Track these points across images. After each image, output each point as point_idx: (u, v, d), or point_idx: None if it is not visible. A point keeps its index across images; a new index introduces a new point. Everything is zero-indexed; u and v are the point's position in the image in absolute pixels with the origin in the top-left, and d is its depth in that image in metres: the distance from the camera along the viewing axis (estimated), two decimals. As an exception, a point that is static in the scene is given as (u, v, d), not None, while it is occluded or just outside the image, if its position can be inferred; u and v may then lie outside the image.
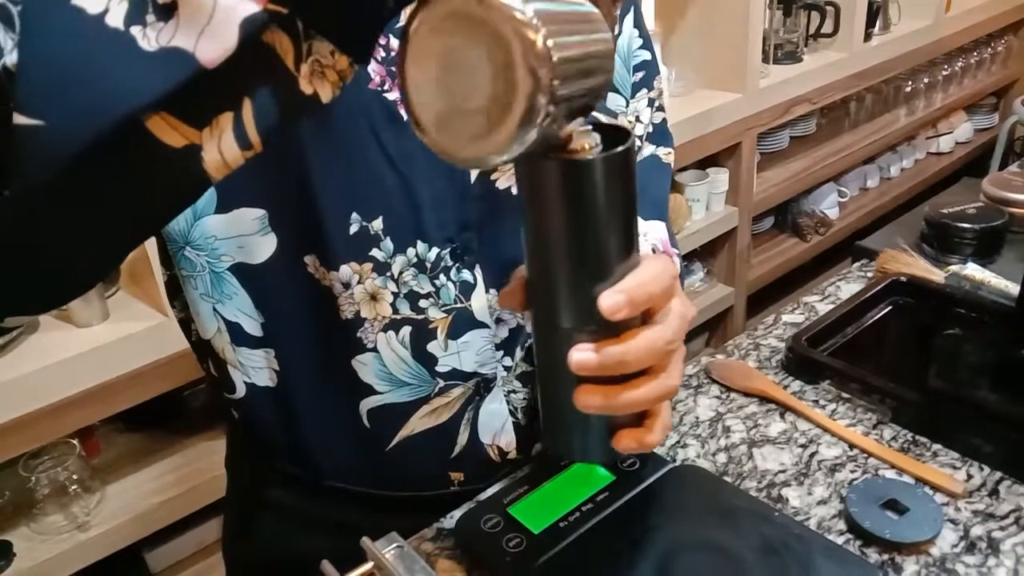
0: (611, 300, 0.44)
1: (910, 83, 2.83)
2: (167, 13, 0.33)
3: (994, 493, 0.69)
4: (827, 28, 2.35)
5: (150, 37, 0.33)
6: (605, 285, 0.44)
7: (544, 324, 0.48)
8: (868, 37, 2.43)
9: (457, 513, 0.70)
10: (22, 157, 0.33)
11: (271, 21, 0.34)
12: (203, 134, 0.35)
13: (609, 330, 0.45)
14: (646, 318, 0.48)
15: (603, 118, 0.45)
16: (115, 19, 0.33)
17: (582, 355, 0.45)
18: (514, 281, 0.49)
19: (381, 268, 0.62)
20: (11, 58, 0.34)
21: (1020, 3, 3.11)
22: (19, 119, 0.32)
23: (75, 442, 1.39)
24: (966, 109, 3.15)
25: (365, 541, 0.54)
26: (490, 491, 0.72)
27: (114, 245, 0.40)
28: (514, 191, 0.65)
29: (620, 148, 0.42)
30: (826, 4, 2.31)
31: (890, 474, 0.72)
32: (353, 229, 0.61)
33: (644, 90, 0.78)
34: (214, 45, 0.33)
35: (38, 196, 0.35)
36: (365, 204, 0.61)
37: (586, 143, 0.41)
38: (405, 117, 0.57)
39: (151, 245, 1.17)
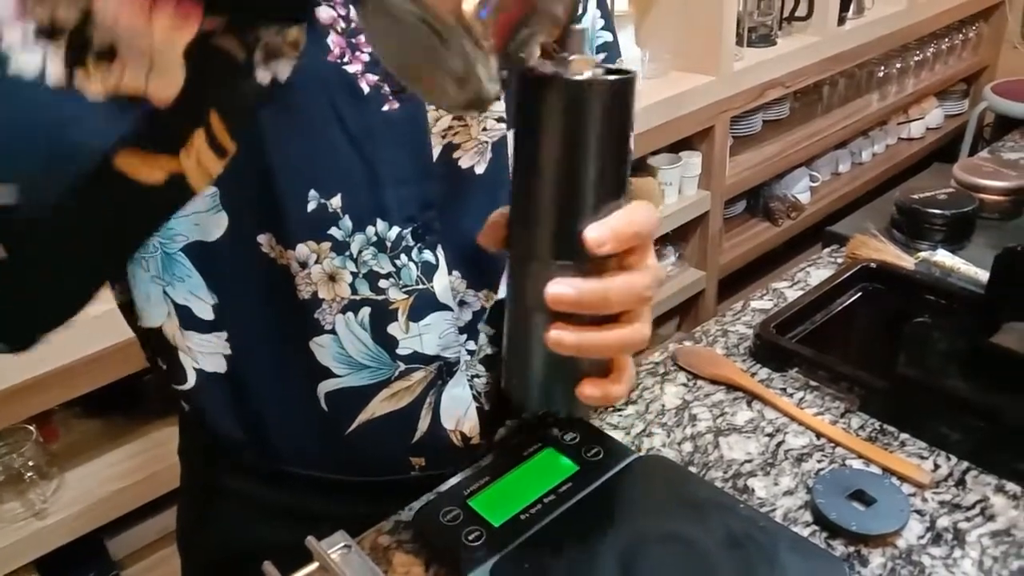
0: (597, 232, 0.43)
1: (882, 68, 2.83)
2: (107, 55, 0.32)
3: (961, 483, 0.69)
4: (801, 11, 2.34)
5: (95, 84, 0.32)
6: (592, 219, 0.44)
7: (523, 258, 0.47)
8: (842, 21, 2.43)
9: (416, 505, 0.68)
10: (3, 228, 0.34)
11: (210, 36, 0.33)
12: (180, 158, 0.35)
13: (588, 269, 0.45)
14: (622, 265, 0.47)
15: (611, 66, 0.45)
16: (55, 74, 0.32)
17: (560, 288, 0.44)
18: (496, 216, 0.49)
19: (340, 247, 0.60)
20: None
21: (992, -10, 3.12)
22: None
23: (32, 428, 1.36)
24: (937, 95, 3.16)
25: (311, 540, 0.52)
26: (450, 482, 0.70)
27: (101, 270, 0.42)
28: (477, 171, 0.64)
29: (620, 76, 0.43)
30: (800, -13, 2.30)
31: (857, 464, 0.71)
32: (311, 207, 0.58)
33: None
34: (164, 83, 0.32)
35: (26, 245, 0.35)
36: (323, 181, 0.58)
37: (587, 69, 0.42)
38: (366, 90, 0.56)
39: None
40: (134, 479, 1.42)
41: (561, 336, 0.46)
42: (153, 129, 0.34)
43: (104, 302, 1.27)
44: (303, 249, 0.59)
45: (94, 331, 1.26)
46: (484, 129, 0.63)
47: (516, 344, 0.50)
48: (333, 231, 0.60)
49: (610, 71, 0.44)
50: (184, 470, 0.81)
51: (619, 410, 0.80)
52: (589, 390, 0.48)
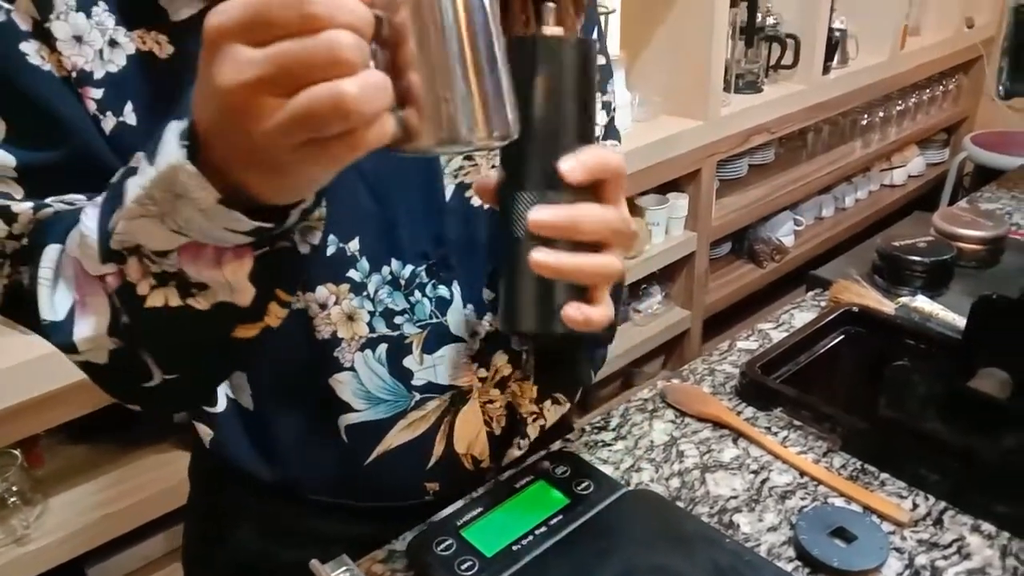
0: (568, 163, 0.51)
1: (866, 116, 2.90)
2: (202, 287, 0.47)
3: (938, 523, 0.71)
4: (787, 60, 2.40)
5: (200, 302, 0.48)
6: (566, 155, 0.51)
7: (508, 194, 0.54)
8: (827, 70, 2.49)
9: (409, 535, 0.69)
10: (165, 383, 0.53)
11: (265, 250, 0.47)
12: (264, 320, 0.51)
13: (562, 198, 0.52)
14: (597, 199, 0.53)
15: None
16: (175, 301, 0.47)
17: (538, 213, 0.51)
18: (485, 176, 0.57)
19: (358, 288, 0.63)
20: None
21: (971, 44, 3.21)
22: (160, 375, 0.52)
23: (17, 452, 1.35)
24: (919, 144, 3.23)
25: (314, 564, 0.54)
26: (443, 513, 0.71)
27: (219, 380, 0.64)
28: (487, 207, 0.66)
29: (582, 37, 0.52)
30: (787, 36, 2.36)
31: (839, 502, 0.73)
32: (330, 251, 0.61)
33: (598, 94, 0.80)
34: (243, 296, 0.48)
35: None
36: (342, 226, 0.61)
37: (555, 31, 0.51)
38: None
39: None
40: (117, 507, 1.42)
41: (541, 258, 0.51)
42: (242, 315, 0.49)
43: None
44: (323, 291, 0.62)
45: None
46: (493, 167, 0.66)
47: (505, 273, 0.56)
48: (351, 273, 0.62)
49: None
50: (194, 489, 0.82)
51: (608, 445, 0.82)
52: (571, 311, 0.53)
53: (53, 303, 0.51)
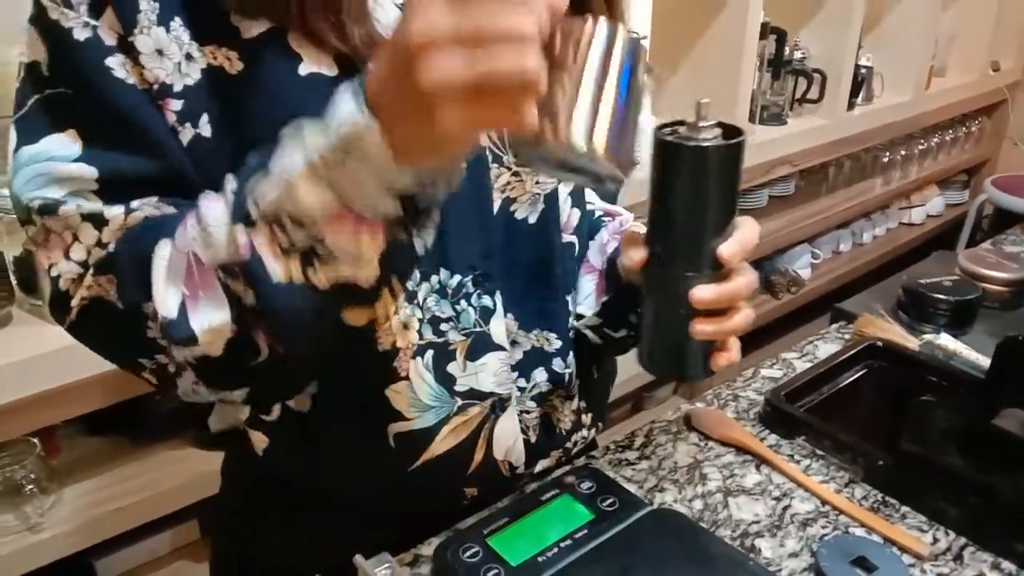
0: (731, 249, 0.60)
1: (888, 154, 2.91)
2: (328, 260, 0.49)
3: (958, 558, 0.71)
4: (813, 94, 2.42)
5: (320, 279, 0.50)
6: (721, 240, 0.60)
7: (668, 275, 0.62)
8: (851, 106, 2.51)
9: (435, 540, 0.70)
10: (275, 353, 0.54)
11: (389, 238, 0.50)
12: (375, 307, 0.55)
13: (720, 275, 0.61)
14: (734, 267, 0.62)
15: (724, 123, 0.59)
16: (297, 275, 0.50)
17: (703, 292, 0.60)
18: (629, 241, 0.64)
19: (410, 296, 0.64)
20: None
21: (996, 87, 3.22)
22: (273, 344, 0.53)
23: (35, 441, 1.36)
24: (939, 183, 3.24)
25: (358, 559, 0.54)
26: (469, 520, 0.72)
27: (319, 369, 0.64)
28: (530, 220, 0.69)
29: (738, 138, 0.57)
30: (813, 71, 2.38)
31: (860, 532, 0.74)
32: None
33: None
34: (367, 273, 0.51)
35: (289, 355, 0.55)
36: None
37: (711, 134, 0.57)
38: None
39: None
40: (129, 501, 1.42)
41: (704, 327, 0.62)
42: (357, 296, 0.52)
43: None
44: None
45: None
46: (537, 182, 0.68)
47: (664, 335, 0.65)
48: (408, 284, 0.64)
49: (726, 131, 0.58)
50: (228, 487, 0.83)
51: (632, 464, 0.82)
52: (723, 360, 0.65)
53: (166, 299, 0.52)
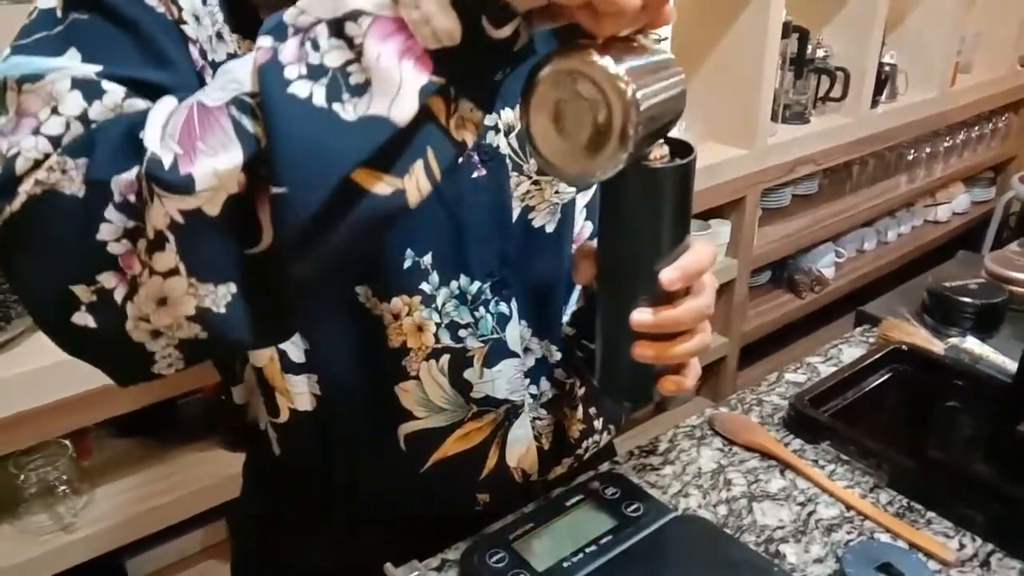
0: (670, 275, 0.56)
1: (912, 152, 2.89)
2: (359, 90, 0.42)
3: (985, 564, 0.71)
4: (836, 93, 2.40)
5: (348, 110, 0.42)
6: (665, 263, 0.57)
7: (611, 294, 0.60)
8: (875, 104, 2.49)
9: (462, 545, 0.71)
10: (277, 217, 0.43)
11: (436, 89, 0.43)
12: (404, 180, 0.44)
13: (664, 299, 0.58)
14: (688, 289, 0.59)
15: (674, 139, 0.56)
16: (319, 99, 0.41)
17: (642, 316, 0.57)
18: (581, 254, 0.61)
19: (428, 300, 0.65)
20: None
21: (1021, 83, 3.18)
22: (274, 189, 0.42)
23: (67, 443, 1.39)
24: (964, 181, 3.21)
25: (388, 567, 0.56)
26: (494, 526, 0.73)
27: (334, 277, 0.50)
28: (548, 229, 0.70)
29: (686, 159, 0.55)
30: (836, 69, 2.37)
31: (885, 538, 0.74)
32: (407, 264, 0.64)
33: None
34: (403, 109, 0.42)
35: (287, 248, 0.44)
36: (418, 241, 0.64)
37: (659, 153, 0.54)
38: (459, 160, 0.61)
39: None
40: (159, 501, 1.45)
41: (644, 351, 0.59)
42: (387, 154, 0.43)
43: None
44: (397, 302, 0.64)
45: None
46: (556, 192, 0.69)
47: (607, 358, 0.63)
48: (423, 286, 0.65)
49: (675, 147, 0.56)
50: (248, 490, 0.84)
51: (656, 469, 0.83)
52: (668, 385, 0.62)
53: (160, 147, 0.43)
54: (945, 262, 1.36)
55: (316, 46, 0.42)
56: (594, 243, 0.61)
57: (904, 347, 0.99)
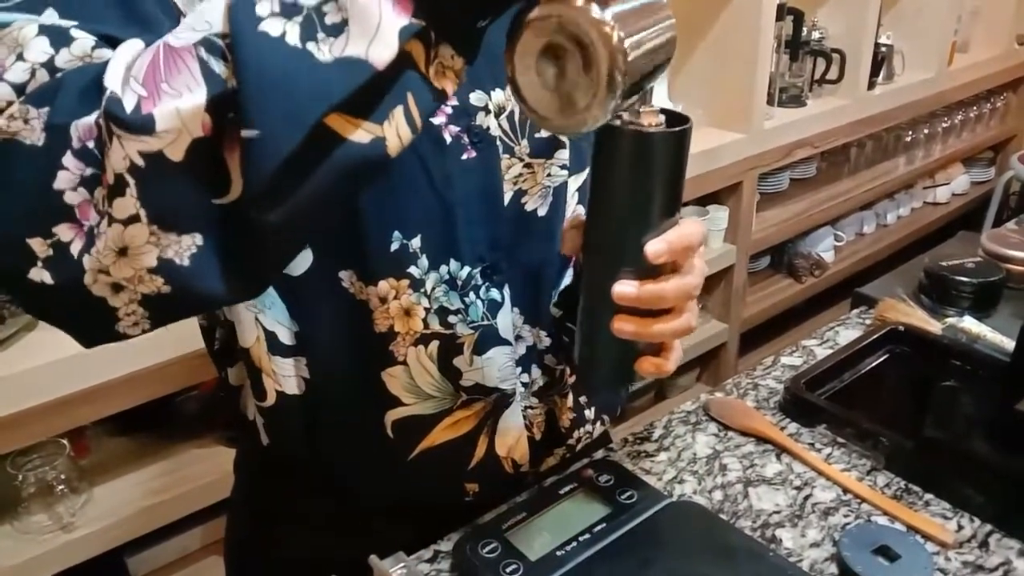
0: (656, 247, 0.54)
1: (910, 133, 2.87)
2: (336, 29, 0.40)
3: (984, 545, 0.70)
4: (832, 75, 2.38)
5: (323, 50, 0.40)
6: (652, 235, 0.55)
7: (596, 265, 0.58)
8: (872, 86, 2.47)
9: (454, 536, 0.71)
10: (247, 164, 0.41)
11: (416, 31, 0.40)
12: (383, 127, 0.42)
13: (648, 273, 0.56)
14: (675, 267, 0.57)
15: (670, 110, 0.54)
16: (293, 38, 0.39)
17: (624, 288, 0.55)
18: (569, 225, 0.60)
19: (416, 284, 0.64)
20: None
21: (1020, 61, 3.16)
22: (244, 132, 0.39)
23: (65, 442, 1.38)
24: (963, 162, 3.19)
25: (373, 559, 0.55)
26: (487, 516, 0.72)
27: (311, 230, 0.48)
28: (540, 213, 0.69)
29: (682, 127, 0.54)
30: (832, 51, 2.35)
31: (882, 520, 0.73)
32: (394, 247, 0.63)
33: None
34: (381, 50, 0.40)
35: (259, 199, 0.42)
36: (406, 223, 0.63)
37: (654, 120, 0.53)
38: (448, 140, 0.60)
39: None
40: (158, 499, 1.45)
41: (624, 324, 0.56)
42: (364, 100, 0.41)
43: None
44: (384, 286, 0.63)
45: (131, 351, 1.30)
46: (548, 175, 0.68)
47: (587, 332, 0.61)
48: (412, 269, 0.64)
49: (670, 118, 0.54)
50: (240, 483, 0.84)
51: (651, 456, 0.82)
52: (646, 366, 0.59)
53: (122, 88, 0.41)
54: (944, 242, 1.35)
55: None
56: (582, 213, 0.60)
57: (901, 328, 0.99)
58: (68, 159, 0.43)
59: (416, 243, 0.63)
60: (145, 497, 1.44)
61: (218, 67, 0.41)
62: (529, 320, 0.71)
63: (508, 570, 0.64)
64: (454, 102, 0.62)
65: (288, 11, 0.39)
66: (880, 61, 2.49)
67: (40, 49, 0.44)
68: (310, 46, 0.39)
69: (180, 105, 0.40)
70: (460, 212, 0.64)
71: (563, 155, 0.69)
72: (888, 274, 1.24)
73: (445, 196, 0.63)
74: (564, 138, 0.68)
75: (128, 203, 0.42)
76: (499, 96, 0.64)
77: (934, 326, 1.01)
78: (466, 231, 0.64)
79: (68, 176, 0.43)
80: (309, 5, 0.40)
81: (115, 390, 1.31)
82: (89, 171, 0.43)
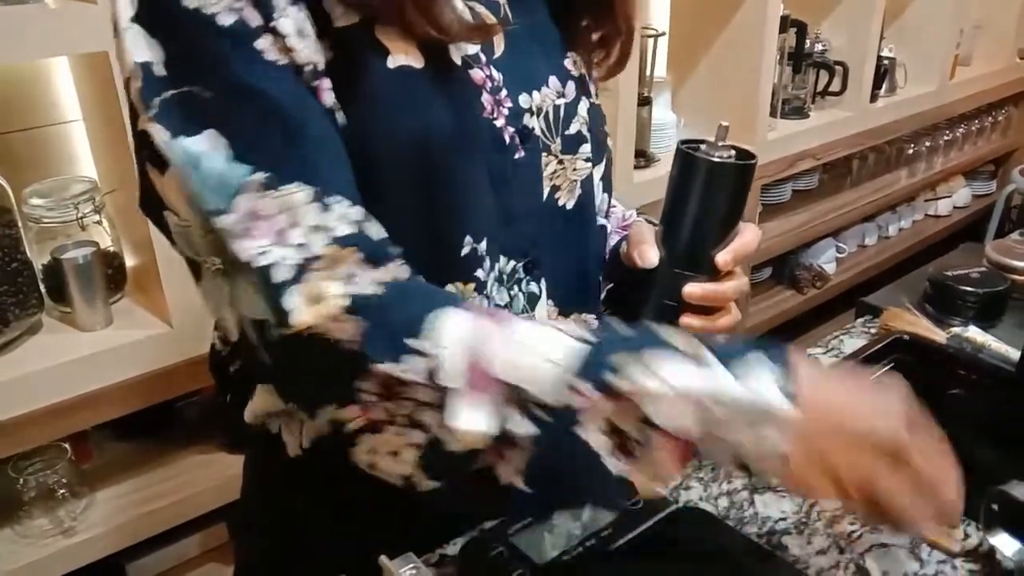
0: (725, 257, 0.67)
1: (912, 146, 2.88)
2: (632, 454, 0.51)
3: (990, 554, 0.70)
4: (835, 87, 2.39)
5: (611, 463, 0.50)
6: (721, 247, 0.68)
7: (668, 270, 0.69)
8: (874, 98, 2.48)
9: (461, 540, 0.70)
10: (506, 501, 0.55)
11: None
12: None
13: (710, 277, 0.69)
14: (730, 271, 0.69)
15: (739, 147, 0.67)
16: (600, 447, 0.50)
17: (694, 289, 0.68)
18: (640, 238, 0.71)
19: (480, 287, 0.65)
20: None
21: (1022, 75, 3.17)
22: (514, 482, 0.52)
23: (67, 446, 1.38)
24: (965, 175, 3.19)
25: (383, 559, 0.55)
26: (493, 521, 0.72)
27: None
28: (569, 206, 0.72)
29: (748, 161, 0.67)
30: (835, 63, 2.36)
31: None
32: (464, 251, 0.63)
33: None
34: (662, 478, 0.52)
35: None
36: (475, 227, 0.63)
37: (725, 153, 0.66)
38: (507, 141, 0.64)
39: (167, 258, 1.18)
40: (160, 504, 1.44)
41: (691, 321, 0.69)
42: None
43: (146, 328, 1.31)
44: (451, 289, 0.63)
45: (134, 356, 1.30)
46: (575, 169, 0.70)
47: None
48: (479, 272, 0.64)
49: (739, 153, 0.66)
50: (248, 482, 0.82)
51: (656, 462, 0.82)
52: None
53: (461, 368, 0.50)
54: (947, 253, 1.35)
55: (624, 412, 0.50)
56: (646, 226, 0.72)
57: (906, 337, 0.99)
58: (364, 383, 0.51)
59: (483, 247, 0.64)
60: (146, 502, 1.44)
61: (522, 424, 0.50)
62: (563, 312, 0.73)
63: (515, 575, 0.64)
64: (510, 104, 0.63)
65: (612, 429, 0.50)
66: (883, 74, 2.50)
67: (313, 215, 0.50)
68: (606, 459, 0.51)
69: (477, 423, 0.50)
70: (512, 211, 0.65)
71: (586, 149, 0.71)
72: (892, 284, 1.24)
73: (502, 196, 0.64)
74: (585, 131, 0.71)
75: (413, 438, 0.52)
76: (537, 96, 0.66)
77: (939, 335, 1.01)
78: (515, 229, 0.66)
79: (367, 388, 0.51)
80: (635, 436, 0.50)
81: (117, 395, 1.31)
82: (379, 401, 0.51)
